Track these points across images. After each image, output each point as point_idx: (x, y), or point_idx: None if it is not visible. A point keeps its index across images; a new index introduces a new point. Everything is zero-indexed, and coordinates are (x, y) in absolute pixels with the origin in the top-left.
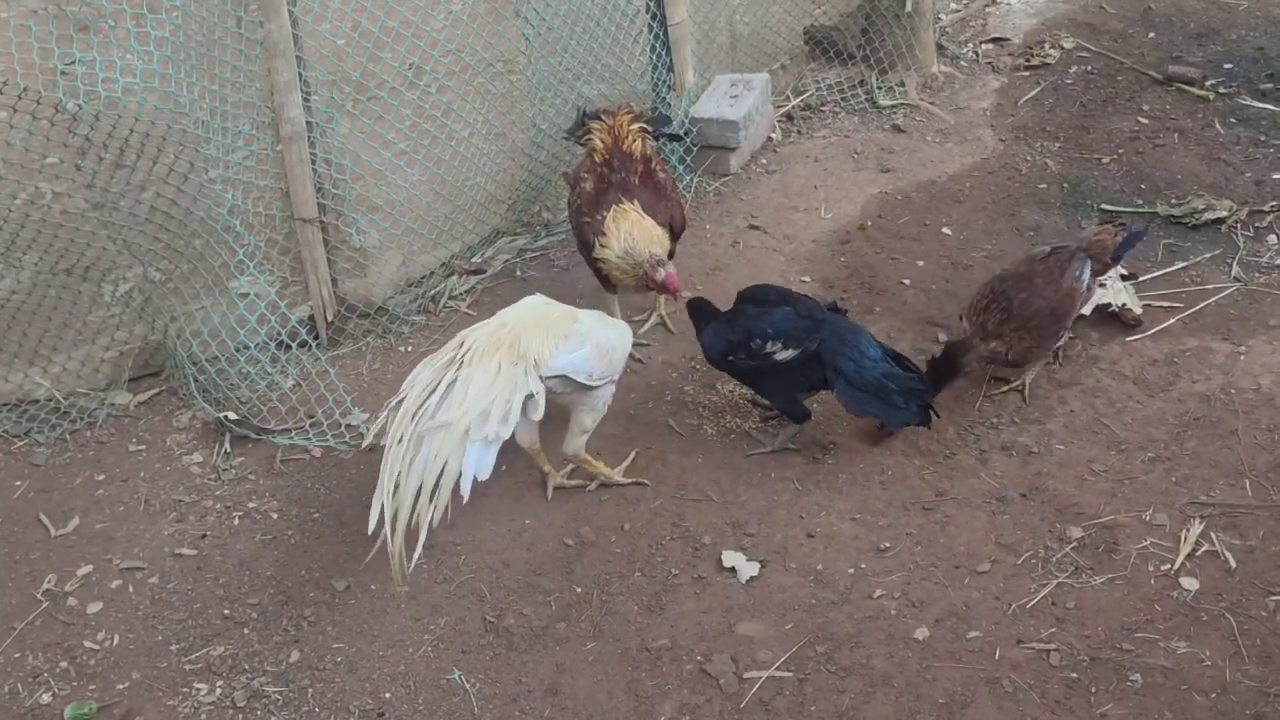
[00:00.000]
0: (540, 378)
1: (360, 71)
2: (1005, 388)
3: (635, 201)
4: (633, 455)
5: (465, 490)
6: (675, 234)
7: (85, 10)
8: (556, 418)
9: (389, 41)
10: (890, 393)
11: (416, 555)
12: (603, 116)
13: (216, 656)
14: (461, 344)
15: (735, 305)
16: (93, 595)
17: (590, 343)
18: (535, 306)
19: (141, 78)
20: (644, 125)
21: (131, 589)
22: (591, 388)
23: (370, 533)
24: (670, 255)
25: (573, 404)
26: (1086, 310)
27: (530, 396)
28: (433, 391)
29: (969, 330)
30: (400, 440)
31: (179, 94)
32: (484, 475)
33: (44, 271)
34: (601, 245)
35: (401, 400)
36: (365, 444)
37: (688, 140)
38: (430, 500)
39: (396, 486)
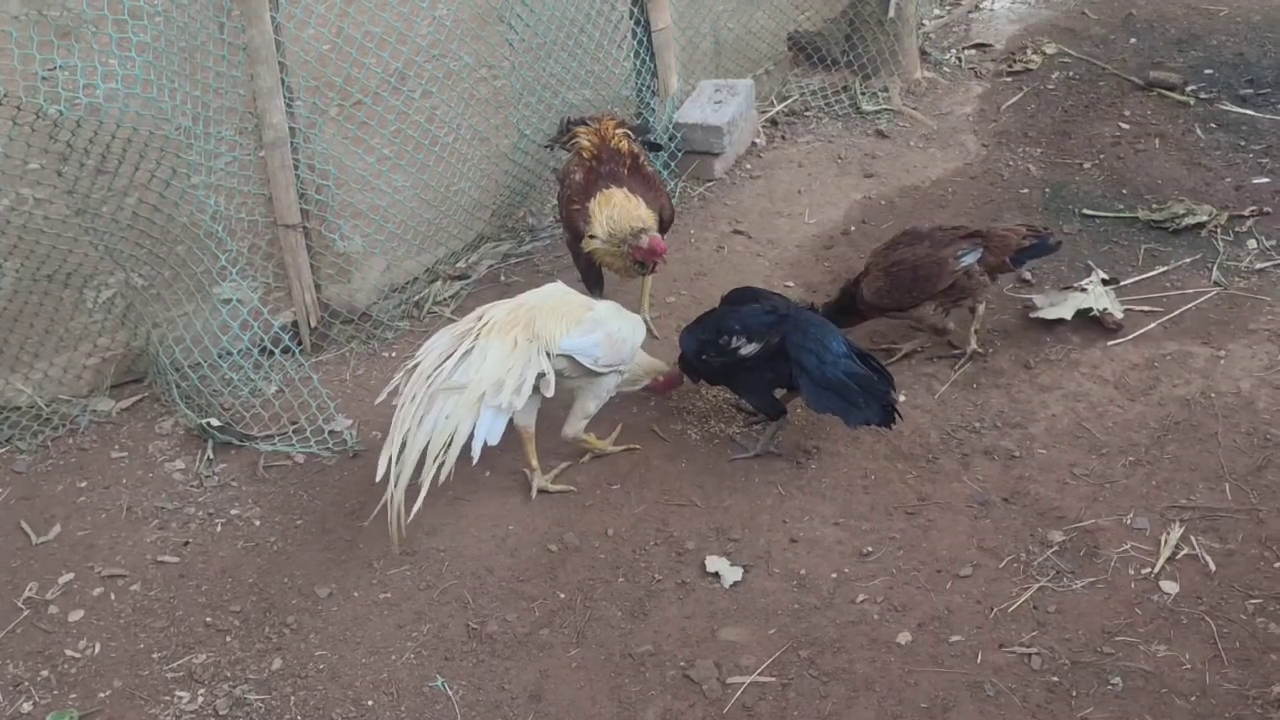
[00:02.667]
0: (550, 357)
1: (344, 77)
2: (958, 367)
3: (623, 187)
4: (619, 428)
5: (475, 452)
6: (664, 224)
7: (66, 16)
8: (550, 407)
9: (373, 47)
10: (851, 390)
11: (415, 510)
12: (588, 122)
13: (198, 664)
14: (480, 318)
15: (716, 308)
16: (74, 603)
17: (601, 330)
18: (555, 293)
19: (123, 83)
20: (628, 130)
21: (113, 597)
22: (598, 373)
23: (377, 480)
24: None
25: (578, 388)
26: (1069, 315)
27: (542, 375)
28: (449, 357)
29: (861, 269)
30: (413, 398)
31: (161, 100)
32: (494, 441)
33: (26, 278)
34: (590, 236)
35: (418, 363)
36: (377, 401)
37: (671, 146)
38: (436, 459)
39: (404, 443)
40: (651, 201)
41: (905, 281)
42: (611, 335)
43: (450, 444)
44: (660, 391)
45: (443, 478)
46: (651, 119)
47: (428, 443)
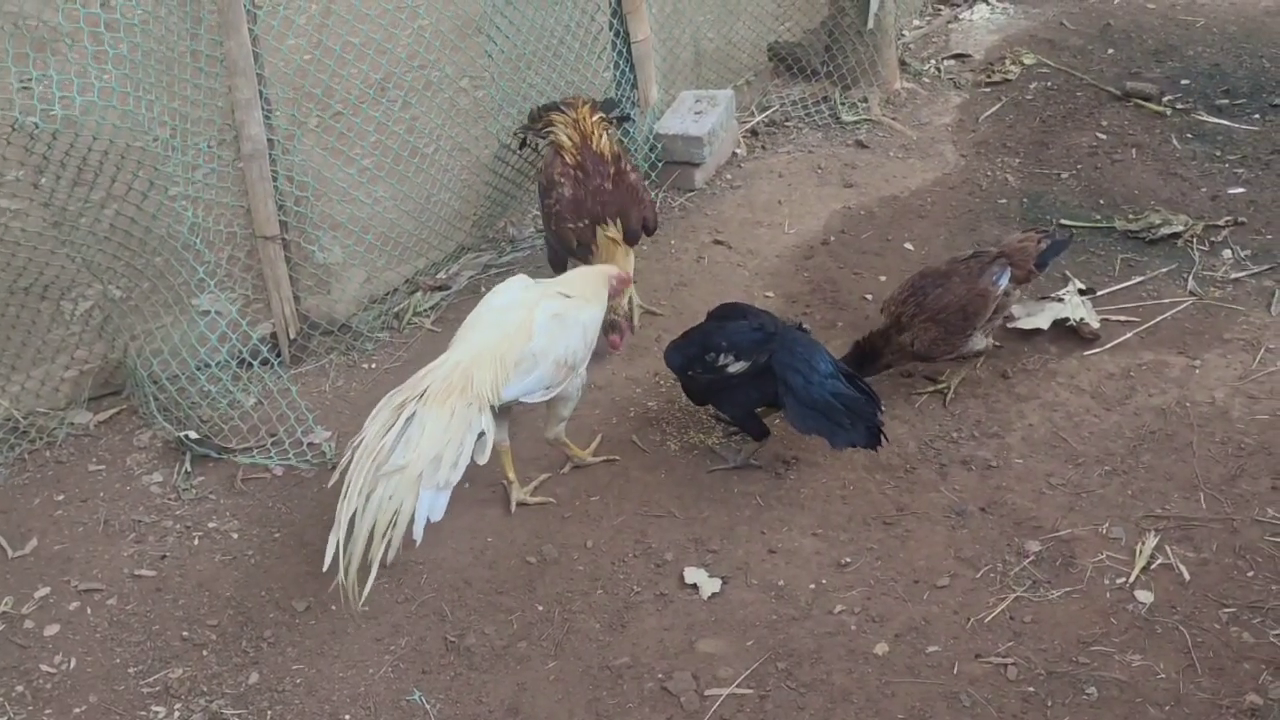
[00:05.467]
0: (494, 408)
1: (323, 89)
2: (931, 387)
3: (617, 222)
4: (599, 439)
5: (418, 534)
6: (649, 232)
7: (43, 28)
8: (528, 417)
9: (351, 59)
10: (837, 412)
11: (367, 590)
12: (563, 108)
13: (175, 679)
14: (416, 385)
15: (702, 323)
16: (50, 617)
17: (545, 361)
18: (492, 317)
19: (100, 95)
20: (605, 119)
21: (90, 611)
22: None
23: (325, 570)
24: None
25: (546, 401)
26: (1045, 324)
27: (481, 435)
28: (389, 429)
29: (885, 322)
30: (358, 475)
31: (138, 111)
32: (436, 517)
33: (2, 290)
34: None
35: (361, 440)
36: (330, 484)
37: (635, 120)
38: (383, 538)
39: (352, 524)
40: (635, 217)
41: (956, 325)
42: (558, 360)
43: (395, 523)
44: (619, 292)
45: (390, 558)
46: (632, 130)
47: (373, 523)
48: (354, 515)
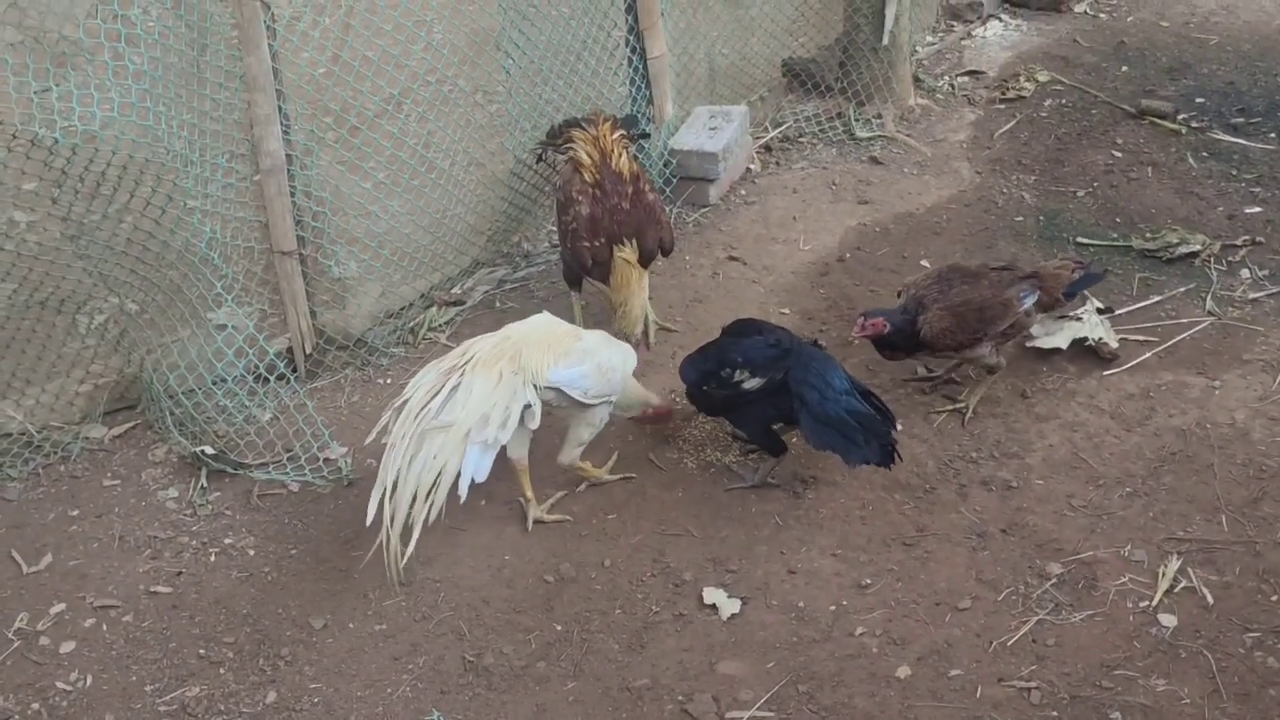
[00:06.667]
0: (537, 389)
1: (340, 104)
2: (949, 406)
3: (632, 242)
4: (615, 456)
5: (463, 491)
6: (665, 253)
7: (63, 43)
8: (545, 436)
9: (369, 74)
10: (851, 429)
11: (410, 552)
12: (584, 125)
13: (192, 697)
14: (465, 352)
15: (718, 338)
16: (65, 634)
17: (590, 361)
18: (541, 323)
19: (119, 110)
20: (625, 135)
21: (105, 628)
22: (588, 405)
23: (368, 524)
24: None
25: (570, 417)
26: (1064, 344)
27: (528, 407)
28: (435, 394)
29: (905, 303)
30: (403, 438)
31: (156, 126)
32: (481, 478)
33: (17, 303)
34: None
35: (405, 401)
36: (367, 441)
37: (654, 138)
38: (427, 499)
39: (395, 483)
40: (652, 237)
41: (970, 322)
42: (601, 366)
43: (439, 483)
44: (650, 423)
45: (433, 517)
46: (647, 145)
47: (418, 483)
48: (398, 475)
